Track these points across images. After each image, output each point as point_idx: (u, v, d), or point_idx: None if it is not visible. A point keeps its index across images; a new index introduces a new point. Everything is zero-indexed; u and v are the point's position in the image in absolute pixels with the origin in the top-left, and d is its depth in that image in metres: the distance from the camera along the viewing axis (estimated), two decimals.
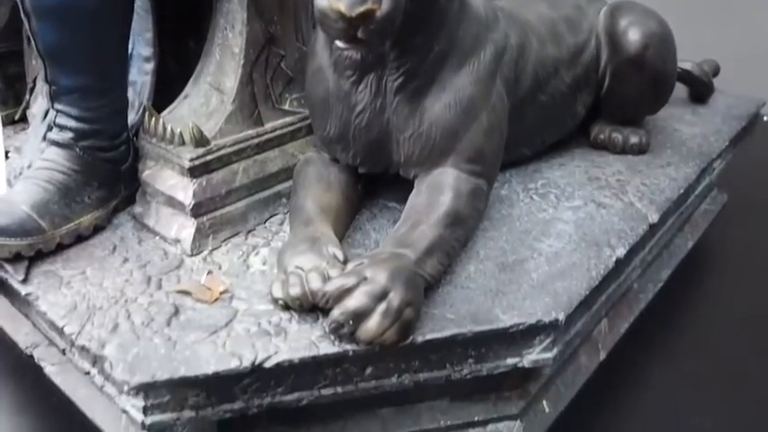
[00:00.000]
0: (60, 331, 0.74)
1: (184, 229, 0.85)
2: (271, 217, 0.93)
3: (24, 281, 0.79)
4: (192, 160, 0.85)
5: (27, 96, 1.21)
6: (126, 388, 0.67)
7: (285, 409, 0.75)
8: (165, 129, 0.87)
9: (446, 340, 0.73)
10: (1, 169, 0.90)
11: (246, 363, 0.68)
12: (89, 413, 0.90)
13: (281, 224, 0.92)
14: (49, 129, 0.86)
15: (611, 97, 1.12)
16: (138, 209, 0.92)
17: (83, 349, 0.71)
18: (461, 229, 0.81)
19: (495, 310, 0.76)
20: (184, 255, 0.84)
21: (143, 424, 0.68)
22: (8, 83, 1.21)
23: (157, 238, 0.88)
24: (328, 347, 0.70)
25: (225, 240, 0.88)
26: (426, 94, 0.80)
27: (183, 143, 0.86)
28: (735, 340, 1.09)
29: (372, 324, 0.67)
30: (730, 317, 1.14)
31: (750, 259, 1.29)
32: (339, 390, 0.73)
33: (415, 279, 0.72)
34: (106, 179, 0.89)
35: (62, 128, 0.85)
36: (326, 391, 0.73)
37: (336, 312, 0.68)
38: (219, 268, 0.82)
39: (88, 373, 0.76)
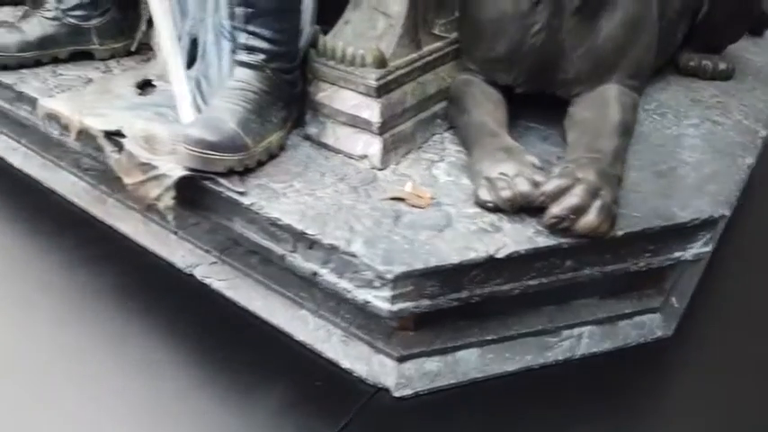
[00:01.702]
0: (299, 234, 0.80)
1: (371, 145, 0.92)
2: (432, 136, 1.01)
3: (243, 193, 0.85)
4: (378, 80, 0.91)
5: (143, 27, 1.23)
6: (381, 280, 0.75)
7: (468, 305, 0.84)
8: (344, 51, 0.92)
9: (637, 235, 0.84)
10: (186, 98, 0.94)
11: (482, 254, 0.77)
12: (271, 319, 0.98)
13: (442, 142, 1.00)
14: (235, 51, 0.90)
15: (706, 24, 1.22)
16: (311, 129, 0.97)
17: (331, 248, 0.78)
18: (628, 138, 0.90)
19: (672, 208, 0.87)
20: (374, 169, 0.91)
21: (389, 312, 0.77)
22: (123, 14, 1.22)
23: (340, 155, 0.94)
24: (546, 241, 0.79)
25: (403, 156, 0.95)
26: (600, 13, 0.88)
27: (363, 65, 0.92)
28: None
29: (591, 218, 0.77)
30: None
31: None
32: (543, 280, 0.84)
33: (614, 179, 0.81)
34: (287, 100, 0.94)
35: (253, 50, 0.89)
36: (532, 282, 0.83)
37: (557, 209, 0.77)
38: (411, 180, 0.89)
39: (315, 274, 0.83)
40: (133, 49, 1.23)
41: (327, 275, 0.82)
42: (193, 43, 1.10)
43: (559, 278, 0.85)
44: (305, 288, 0.98)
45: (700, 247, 0.90)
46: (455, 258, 0.76)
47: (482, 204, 0.83)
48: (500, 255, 0.77)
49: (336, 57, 0.94)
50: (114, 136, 0.96)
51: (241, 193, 0.85)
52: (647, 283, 0.99)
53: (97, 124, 0.97)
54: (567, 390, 0.92)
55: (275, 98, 0.92)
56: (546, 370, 0.94)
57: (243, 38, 0.89)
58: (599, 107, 0.90)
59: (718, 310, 1.06)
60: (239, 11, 0.87)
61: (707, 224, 0.87)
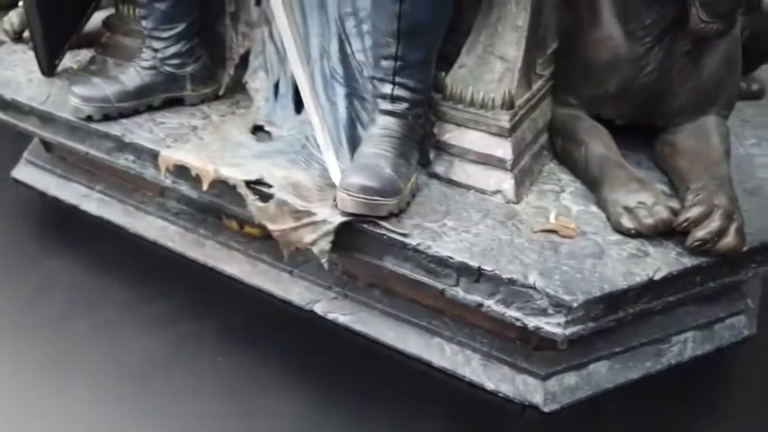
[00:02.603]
0: (472, 270, 0.87)
1: (504, 181, 1.00)
2: (543, 167, 1.09)
3: (406, 235, 0.90)
4: (510, 121, 0.98)
5: (230, 72, 1.26)
6: (557, 308, 0.82)
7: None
8: (473, 95, 0.99)
9: (755, 249, 0.95)
10: (329, 148, 0.98)
11: (644, 277, 0.86)
12: (407, 349, 1.04)
13: (555, 173, 1.09)
14: (377, 100, 0.96)
15: (746, 48, 1.35)
16: (438, 168, 1.04)
17: (510, 282, 0.85)
18: (730, 163, 1.01)
19: None
20: (510, 203, 0.99)
21: (563, 336, 0.85)
22: (213, 60, 1.24)
23: (472, 191, 1.01)
24: (690, 261, 0.89)
25: (528, 189, 1.03)
26: (704, 54, 0.99)
27: (493, 107, 0.99)
28: None
29: (730, 239, 0.88)
30: None
31: None
32: (680, 296, 0.93)
33: (736, 202, 0.92)
34: (420, 141, 1.00)
35: (399, 99, 0.95)
36: (671, 298, 0.93)
37: (702, 233, 0.87)
38: (551, 211, 0.97)
39: (480, 306, 0.90)
40: (221, 93, 1.25)
41: (494, 306, 0.89)
42: (296, 88, 1.15)
43: (690, 292, 0.95)
44: (435, 317, 1.05)
45: None
46: (623, 283, 0.85)
47: (624, 231, 0.92)
48: (657, 277, 0.87)
49: (465, 100, 1.01)
50: (255, 185, 1.00)
51: (404, 235, 0.91)
52: (732, 288, 1.11)
53: (236, 174, 1.00)
54: (680, 390, 1.03)
55: (414, 141, 0.98)
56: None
57: (388, 89, 0.95)
58: (702, 137, 1.02)
59: None
60: (387, 63, 0.93)
61: None
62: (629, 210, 0.92)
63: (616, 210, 0.94)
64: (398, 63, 0.92)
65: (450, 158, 1.04)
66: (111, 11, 1.40)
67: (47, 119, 1.24)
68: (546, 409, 0.96)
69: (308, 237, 0.95)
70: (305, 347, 1.08)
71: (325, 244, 0.93)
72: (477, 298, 0.90)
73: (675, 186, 1.03)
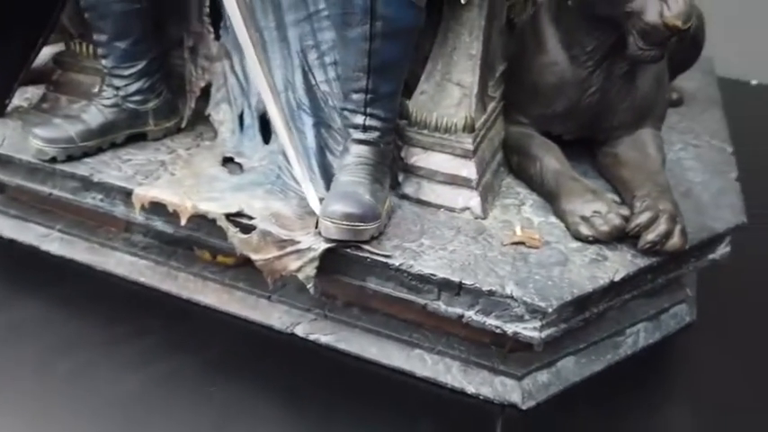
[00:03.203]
0: (453, 285, 0.94)
1: (470, 199, 1.07)
2: (502, 182, 1.17)
3: (389, 256, 0.96)
4: (473, 143, 1.06)
5: (191, 105, 1.27)
6: (533, 313, 0.90)
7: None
8: (436, 121, 1.06)
9: (694, 247, 1.07)
10: (306, 178, 1.03)
11: (606, 280, 0.96)
12: (391, 362, 1.09)
13: (513, 188, 1.17)
14: (349, 130, 1.01)
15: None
16: (408, 189, 1.10)
17: (489, 294, 0.92)
18: None
19: (707, 222, 1.11)
20: (478, 219, 1.06)
21: (540, 339, 0.93)
22: (174, 94, 1.25)
23: (442, 209, 1.08)
24: (643, 261, 1.00)
25: (491, 204, 1.10)
26: (638, 75, 1.10)
27: (455, 131, 1.07)
28: None
29: (676, 240, 0.99)
30: None
31: None
32: (634, 293, 1.04)
33: (677, 205, 1.03)
34: (390, 165, 1.06)
35: (371, 129, 1.00)
36: (627, 296, 1.03)
37: (651, 236, 0.98)
38: (516, 225, 1.06)
39: (462, 317, 0.96)
40: (183, 126, 1.27)
41: (475, 316, 0.96)
42: (262, 119, 1.19)
43: (642, 289, 1.05)
44: (414, 329, 1.11)
45: (723, 249, 1.15)
46: (589, 287, 0.94)
47: (583, 239, 1.02)
48: (617, 278, 0.97)
49: (429, 125, 1.08)
50: (235, 217, 1.03)
51: (387, 256, 0.96)
52: (674, 281, 1.23)
53: (215, 208, 1.03)
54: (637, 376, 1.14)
55: (386, 166, 1.04)
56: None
57: (360, 119, 1.00)
58: (641, 148, 1.13)
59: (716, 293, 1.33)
60: (358, 96, 0.99)
61: (734, 230, 1.13)
62: (585, 219, 1.02)
63: (574, 219, 1.03)
64: (369, 96, 0.98)
65: (419, 180, 1.11)
66: (58, 46, 1.39)
67: (3, 161, 1.22)
68: (524, 407, 1.03)
69: (293, 264, 0.99)
70: (289, 370, 1.11)
71: (310, 270, 0.98)
72: (458, 310, 0.97)
73: (619, 193, 1.14)
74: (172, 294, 1.23)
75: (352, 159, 1.01)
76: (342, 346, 1.13)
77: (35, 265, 1.31)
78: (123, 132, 1.20)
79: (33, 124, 1.24)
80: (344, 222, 0.94)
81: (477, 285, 0.92)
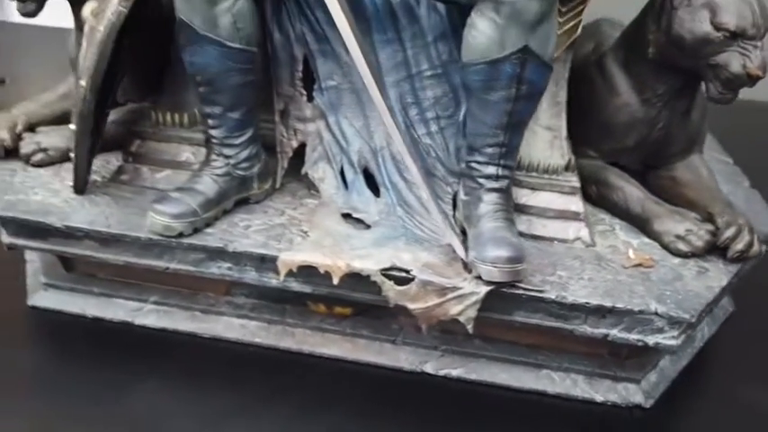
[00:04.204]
0: (604, 310, 1.07)
1: (580, 230, 1.22)
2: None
3: (543, 291, 1.07)
4: (579, 180, 1.21)
5: (284, 165, 1.31)
6: (673, 325, 1.07)
7: None
8: (539, 163, 1.21)
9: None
10: (454, 237, 1.12)
11: (718, 287, 1.13)
12: (522, 386, 1.20)
13: (595, 215, 1.32)
14: (480, 179, 1.11)
15: None
16: (520, 227, 1.20)
17: (638, 313, 1.06)
18: None
19: (758, 227, 1.31)
20: (590, 247, 1.20)
21: (677, 346, 1.08)
22: (268, 156, 1.28)
23: (555, 241, 1.21)
24: (735, 269, 1.19)
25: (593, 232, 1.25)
26: (692, 109, 1.30)
27: (559, 172, 1.20)
28: None
29: (757, 247, 1.19)
30: None
31: None
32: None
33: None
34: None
35: (502, 177, 1.12)
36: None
37: (740, 246, 1.17)
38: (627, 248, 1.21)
39: (606, 336, 1.10)
40: (277, 186, 1.30)
41: (618, 333, 1.10)
42: (365, 173, 1.26)
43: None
44: (536, 352, 1.23)
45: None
46: (710, 295, 1.11)
47: (682, 255, 1.19)
48: (724, 284, 1.15)
49: (534, 168, 1.22)
50: (389, 271, 1.09)
51: (541, 291, 1.07)
52: None
53: (370, 265, 1.08)
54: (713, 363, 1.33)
55: (512, 208, 1.15)
56: None
57: (493, 170, 1.11)
58: (694, 170, 1.33)
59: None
60: (492, 150, 1.09)
61: None
62: (680, 237, 1.19)
63: (670, 239, 1.20)
64: (504, 149, 1.09)
65: (529, 217, 1.23)
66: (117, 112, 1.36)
67: (110, 241, 1.19)
68: (647, 406, 1.19)
69: (453, 309, 1.07)
70: (423, 408, 1.19)
71: (472, 312, 1.07)
72: (603, 330, 1.10)
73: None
74: (292, 351, 1.26)
75: (490, 207, 1.11)
76: (473, 376, 1.22)
77: (135, 341, 1.27)
78: (233, 199, 1.22)
79: (128, 199, 1.23)
80: (507, 266, 1.04)
81: (628, 307, 1.06)
